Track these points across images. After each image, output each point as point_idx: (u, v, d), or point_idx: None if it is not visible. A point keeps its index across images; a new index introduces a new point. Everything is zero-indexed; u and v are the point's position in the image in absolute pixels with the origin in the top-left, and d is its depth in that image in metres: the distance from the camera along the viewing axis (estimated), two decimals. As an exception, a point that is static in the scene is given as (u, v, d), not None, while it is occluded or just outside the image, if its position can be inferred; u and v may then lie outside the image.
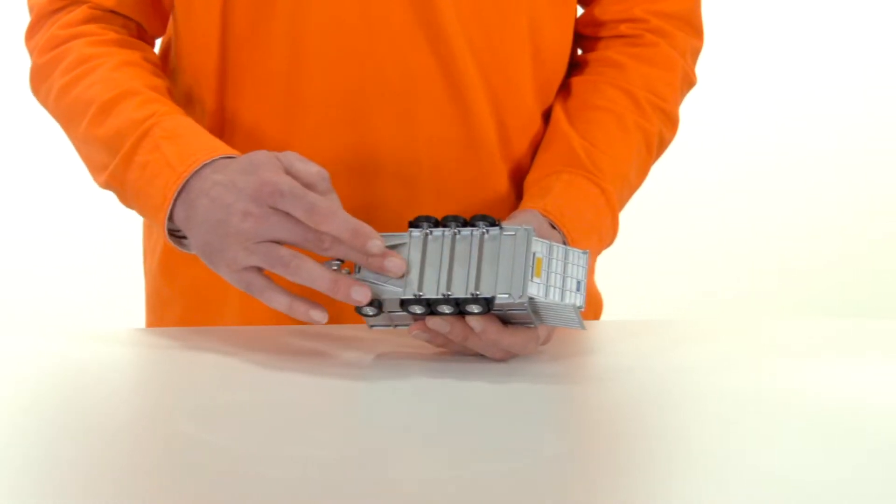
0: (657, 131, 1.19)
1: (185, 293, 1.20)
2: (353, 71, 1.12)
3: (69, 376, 0.99)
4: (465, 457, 0.80)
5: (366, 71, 1.12)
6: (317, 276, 0.97)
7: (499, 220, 0.99)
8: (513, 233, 0.97)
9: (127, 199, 1.10)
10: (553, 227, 1.07)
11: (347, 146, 1.13)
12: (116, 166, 1.08)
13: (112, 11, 1.18)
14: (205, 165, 1.03)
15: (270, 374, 0.98)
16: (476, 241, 0.98)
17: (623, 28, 1.21)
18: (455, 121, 1.14)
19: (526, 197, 1.13)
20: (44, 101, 1.18)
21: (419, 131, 1.13)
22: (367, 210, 1.13)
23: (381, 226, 1.12)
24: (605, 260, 1.27)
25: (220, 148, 1.05)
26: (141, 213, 1.09)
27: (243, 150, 1.14)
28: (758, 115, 3.10)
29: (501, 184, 1.18)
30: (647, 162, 1.20)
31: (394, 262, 0.97)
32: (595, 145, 1.15)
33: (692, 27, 1.23)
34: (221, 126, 1.16)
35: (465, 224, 0.99)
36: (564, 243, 1.06)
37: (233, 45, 1.13)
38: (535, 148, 1.19)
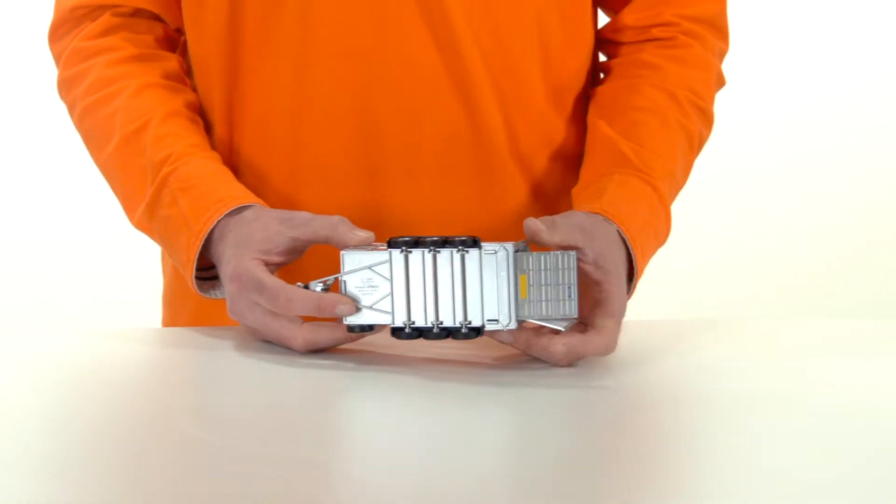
0: (697, 129, 1.19)
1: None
2: (361, 69, 1.12)
3: (78, 376, 0.99)
4: (465, 457, 0.80)
5: (373, 69, 1.12)
6: (303, 303, 1.00)
7: (478, 239, 0.97)
8: (493, 251, 0.97)
9: (157, 243, 1.15)
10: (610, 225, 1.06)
11: (354, 143, 1.13)
12: (142, 215, 1.12)
13: (135, 14, 1.18)
14: (218, 221, 1.07)
15: (273, 375, 0.99)
16: (457, 263, 0.97)
17: (655, 31, 1.21)
18: (462, 119, 1.14)
19: (578, 201, 1.12)
20: (69, 112, 1.20)
21: (425, 129, 1.14)
22: (372, 207, 1.13)
23: (386, 224, 1.12)
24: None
25: (230, 197, 1.08)
26: (172, 260, 1.14)
27: (251, 147, 1.15)
28: (760, 118, 3.10)
29: (511, 182, 1.18)
30: (690, 160, 1.20)
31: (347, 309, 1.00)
32: (642, 145, 1.14)
33: (720, 31, 1.24)
34: (229, 122, 1.16)
35: (444, 243, 0.98)
36: (624, 242, 1.06)
37: (242, 40, 1.14)
38: (548, 147, 1.19)
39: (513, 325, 0.96)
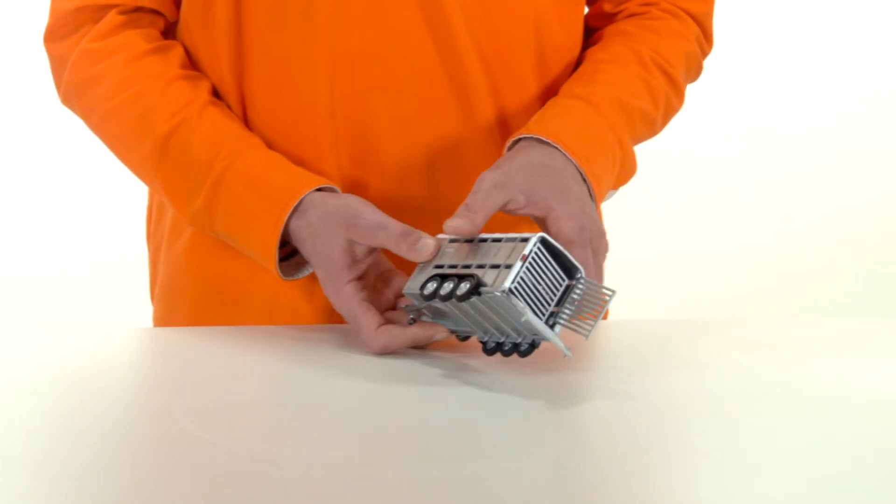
0: (662, 89, 1.20)
1: (204, 286, 1.20)
2: (359, 69, 1.12)
3: (77, 376, 0.99)
4: (465, 457, 0.80)
5: (371, 69, 1.12)
6: (397, 344, 1.02)
7: (477, 279, 0.96)
8: (493, 293, 0.96)
9: (220, 237, 1.13)
10: (545, 144, 1.07)
11: (352, 142, 1.13)
12: (198, 212, 1.11)
13: (139, 9, 1.17)
14: (294, 209, 1.06)
15: (273, 374, 0.99)
16: (479, 302, 0.97)
17: (632, 7, 1.24)
18: (458, 120, 1.15)
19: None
20: (84, 116, 1.17)
21: (422, 129, 1.14)
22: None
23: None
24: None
25: (299, 185, 1.07)
26: (242, 251, 1.12)
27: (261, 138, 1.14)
28: (757, 116, 3.10)
29: None
30: (652, 114, 1.19)
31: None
32: (593, 80, 1.16)
33: (704, 30, 1.26)
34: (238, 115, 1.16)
35: (450, 292, 0.97)
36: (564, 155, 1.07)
37: (247, 40, 1.14)
38: None
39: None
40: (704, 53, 1.26)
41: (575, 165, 1.07)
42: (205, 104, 1.13)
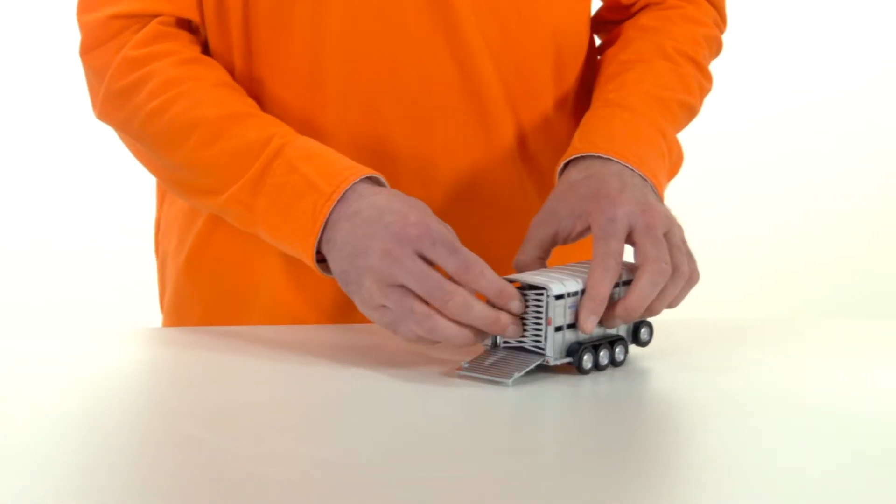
0: (693, 76, 1.20)
1: (208, 295, 1.20)
2: (370, 74, 1.11)
3: (78, 376, 0.99)
4: (465, 457, 0.80)
5: (382, 74, 1.11)
6: (489, 281, 0.96)
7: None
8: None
9: (253, 222, 1.07)
10: (588, 158, 1.07)
11: (365, 148, 1.13)
12: (241, 189, 1.06)
13: (178, 25, 1.14)
14: (353, 185, 1.02)
15: (273, 374, 0.99)
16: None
17: None
18: (473, 124, 1.14)
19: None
20: (122, 126, 1.13)
21: (436, 134, 1.13)
22: None
23: None
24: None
25: (362, 167, 1.05)
26: (272, 236, 1.06)
27: None
28: (756, 118, 3.10)
29: (521, 185, 1.18)
30: (689, 100, 1.19)
31: (514, 330, 0.97)
32: (614, 79, 1.16)
33: (718, 12, 1.26)
34: None
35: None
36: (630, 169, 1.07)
37: (255, 49, 1.12)
38: (555, 149, 1.19)
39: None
40: (721, 32, 1.27)
41: (625, 166, 1.07)
42: (255, 106, 1.11)
